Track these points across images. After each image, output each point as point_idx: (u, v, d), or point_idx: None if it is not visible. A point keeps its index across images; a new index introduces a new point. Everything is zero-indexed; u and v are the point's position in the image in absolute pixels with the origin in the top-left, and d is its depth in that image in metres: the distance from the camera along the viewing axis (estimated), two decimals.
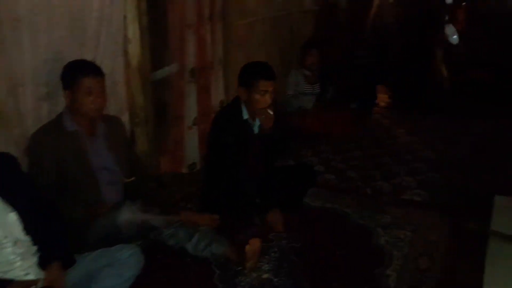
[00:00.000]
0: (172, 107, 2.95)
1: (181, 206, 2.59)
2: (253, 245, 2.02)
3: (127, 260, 1.69)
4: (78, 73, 1.89)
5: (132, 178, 2.21)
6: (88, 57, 2.12)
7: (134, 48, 2.49)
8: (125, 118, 2.45)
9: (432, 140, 3.79)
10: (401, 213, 2.59)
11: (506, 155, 3.39)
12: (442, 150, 3.59)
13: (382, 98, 4.82)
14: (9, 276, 1.48)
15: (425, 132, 4.00)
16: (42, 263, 1.57)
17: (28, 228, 1.55)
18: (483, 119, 4.15)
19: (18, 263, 1.51)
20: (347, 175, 3.19)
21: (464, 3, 4.99)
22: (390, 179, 3.08)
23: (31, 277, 1.52)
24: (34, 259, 1.56)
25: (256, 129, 2.48)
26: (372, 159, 3.45)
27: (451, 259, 2.16)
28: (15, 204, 1.53)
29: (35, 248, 1.57)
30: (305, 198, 2.69)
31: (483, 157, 3.42)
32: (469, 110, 4.24)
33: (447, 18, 4.91)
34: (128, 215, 1.89)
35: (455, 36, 4.79)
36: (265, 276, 2.05)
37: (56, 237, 1.63)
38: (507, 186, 2.77)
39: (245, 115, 2.42)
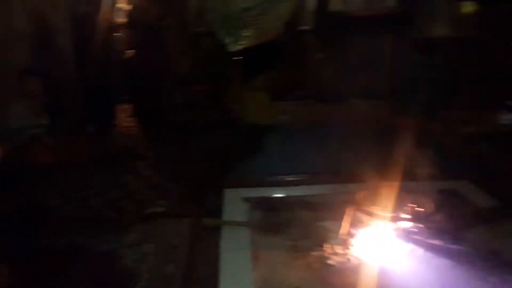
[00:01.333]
0: None
1: None
2: None
3: None
4: None
5: None
6: None
7: None
8: None
9: (168, 153, 3.99)
10: (146, 227, 2.63)
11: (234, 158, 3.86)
12: (180, 161, 3.83)
13: (123, 117, 4.82)
14: None
15: (161, 145, 4.18)
16: None
17: None
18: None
19: None
20: (89, 203, 3.03)
21: None
22: (133, 196, 3.10)
23: None
24: None
25: None
26: (114, 180, 3.39)
27: (193, 257, 2.31)
28: None
29: None
30: (38, 241, 2.40)
31: (213, 161, 3.81)
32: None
33: None
34: None
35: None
36: None
37: None
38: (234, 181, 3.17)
39: None
